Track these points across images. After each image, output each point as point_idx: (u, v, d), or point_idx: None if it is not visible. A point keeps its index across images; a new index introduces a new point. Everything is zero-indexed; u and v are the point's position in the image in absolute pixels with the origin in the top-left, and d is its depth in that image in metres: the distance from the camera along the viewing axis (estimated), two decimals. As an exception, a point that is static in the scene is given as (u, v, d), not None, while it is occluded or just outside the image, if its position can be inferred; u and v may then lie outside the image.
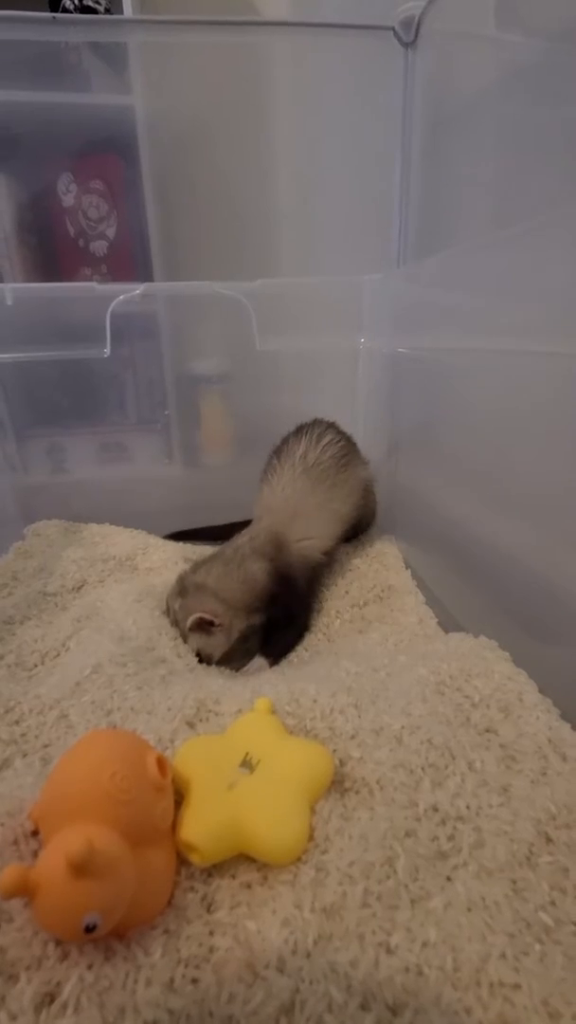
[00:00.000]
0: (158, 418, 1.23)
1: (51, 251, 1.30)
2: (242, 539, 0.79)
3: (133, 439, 1.25)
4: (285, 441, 0.92)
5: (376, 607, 0.82)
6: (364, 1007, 0.31)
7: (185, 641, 0.70)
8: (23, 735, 0.50)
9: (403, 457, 1.00)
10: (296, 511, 0.81)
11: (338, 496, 0.86)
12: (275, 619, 0.77)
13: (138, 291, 0.94)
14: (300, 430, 0.92)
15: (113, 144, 1.21)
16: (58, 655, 0.64)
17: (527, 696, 0.52)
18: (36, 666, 0.63)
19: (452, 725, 0.49)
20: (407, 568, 0.90)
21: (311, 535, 0.81)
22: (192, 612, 0.69)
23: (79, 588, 0.81)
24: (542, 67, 0.67)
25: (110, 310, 0.92)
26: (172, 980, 0.33)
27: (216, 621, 0.69)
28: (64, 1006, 0.31)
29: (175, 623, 0.72)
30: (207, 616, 0.68)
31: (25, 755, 0.48)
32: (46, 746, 0.49)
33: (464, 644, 0.60)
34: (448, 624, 0.74)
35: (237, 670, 0.71)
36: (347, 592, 0.85)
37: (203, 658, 0.69)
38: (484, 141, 0.77)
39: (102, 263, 1.31)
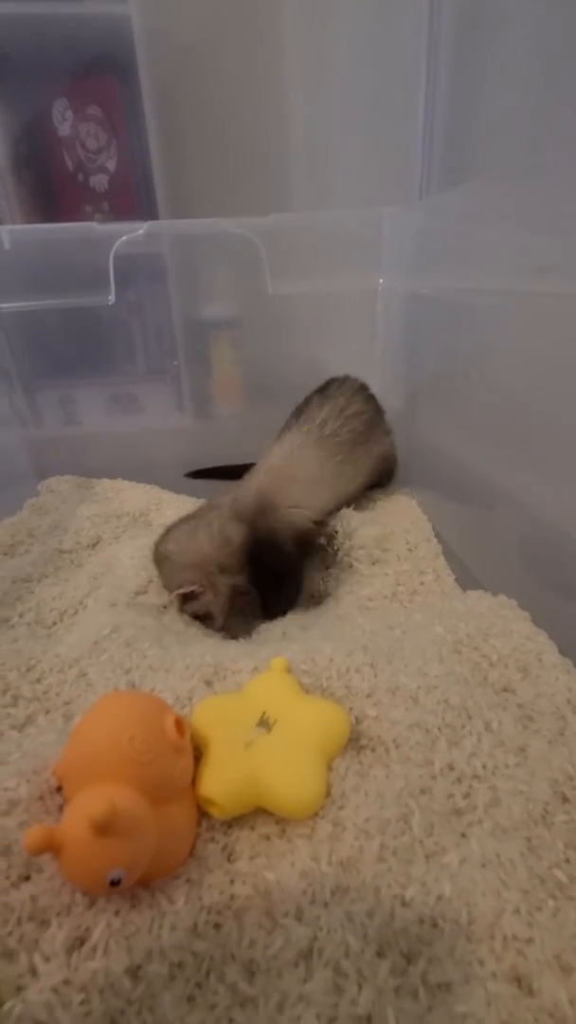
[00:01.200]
0: (167, 367, 1.19)
1: (49, 188, 1.22)
2: (225, 498, 0.77)
3: (143, 389, 1.22)
4: (308, 401, 0.88)
5: (393, 563, 0.80)
6: (380, 954, 0.33)
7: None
8: (45, 692, 0.51)
9: (422, 406, 0.96)
10: (295, 478, 0.79)
11: (346, 473, 0.83)
12: (264, 582, 0.75)
13: (141, 230, 0.88)
14: (326, 390, 0.87)
15: (110, 64, 1.11)
16: (76, 613, 0.65)
17: (546, 656, 0.51)
18: (55, 624, 0.64)
19: (469, 685, 0.49)
20: (426, 521, 0.88)
21: (302, 504, 0.78)
22: (170, 589, 0.68)
23: (94, 545, 0.82)
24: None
25: (113, 252, 0.87)
26: (195, 925, 0.35)
27: (196, 589, 0.68)
28: (94, 949, 0.33)
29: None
30: (185, 590, 0.67)
31: (48, 712, 0.50)
32: (67, 703, 0.50)
33: (482, 603, 0.59)
34: (466, 580, 0.73)
35: (238, 634, 0.70)
36: (362, 546, 0.84)
37: (207, 618, 0.68)
38: (521, 50, 0.68)
39: (103, 199, 1.24)
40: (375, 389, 0.96)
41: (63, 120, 1.18)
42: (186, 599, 0.68)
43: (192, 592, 0.68)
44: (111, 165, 1.21)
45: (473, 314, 0.73)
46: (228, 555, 0.71)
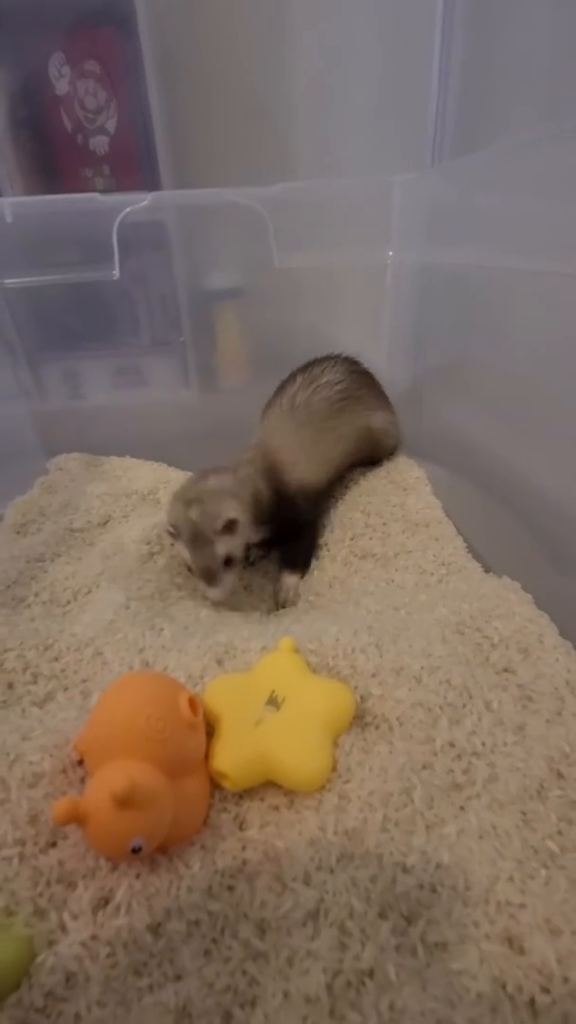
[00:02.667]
0: (172, 339, 1.18)
1: (48, 151, 1.18)
2: (243, 457, 0.77)
3: (148, 362, 1.21)
4: (291, 375, 0.89)
5: (399, 540, 0.81)
6: (382, 916, 0.35)
7: (192, 557, 0.65)
8: (63, 671, 0.54)
9: (431, 380, 0.95)
10: (283, 449, 0.80)
11: (326, 440, 0.84)
12: (283, 536, 0.78)
13: (145, 202, 0.86)
14: (306, 367, 0.89)
15: (108, 14, 1.06)
16: (89, 592, 0.66)
17: (547, 638, 0.53)
18: (69, 603, 0.65)
19: (471, 665, 0.51)
20: (433, 498, 0.88)
21: (301, 472, 0.80)
22: (216, 515, 0.64)
23: (105, 524, 0.83)
24: None
25: (116, 225, 0.85)
26: (210, 888, 0.37)
27: (239, 520, 0.66)
28: (117, 908, 0.36)
29: (191, 538, 0.65)
30: (235, 516, 0.65)
31: (66, 689, 0.52)
32: (85, 681, 0.52)
33: (486, 585, 0.60)
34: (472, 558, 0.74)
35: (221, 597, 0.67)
36: (367, 524, 0.84)
37: (230, 562, 0.65)
38: (543, 4, 0.64)
39: (104, 163, 1.20)
40: (382, 362, 0.95)
41: (60, 77, 1.13)
42: (229, 527, 0.65)
43: (234, 523, 0.65)
44: (111, 126, 1.16)
45: (485, 288, 0.71)
46: (262, 511, 0.73)
